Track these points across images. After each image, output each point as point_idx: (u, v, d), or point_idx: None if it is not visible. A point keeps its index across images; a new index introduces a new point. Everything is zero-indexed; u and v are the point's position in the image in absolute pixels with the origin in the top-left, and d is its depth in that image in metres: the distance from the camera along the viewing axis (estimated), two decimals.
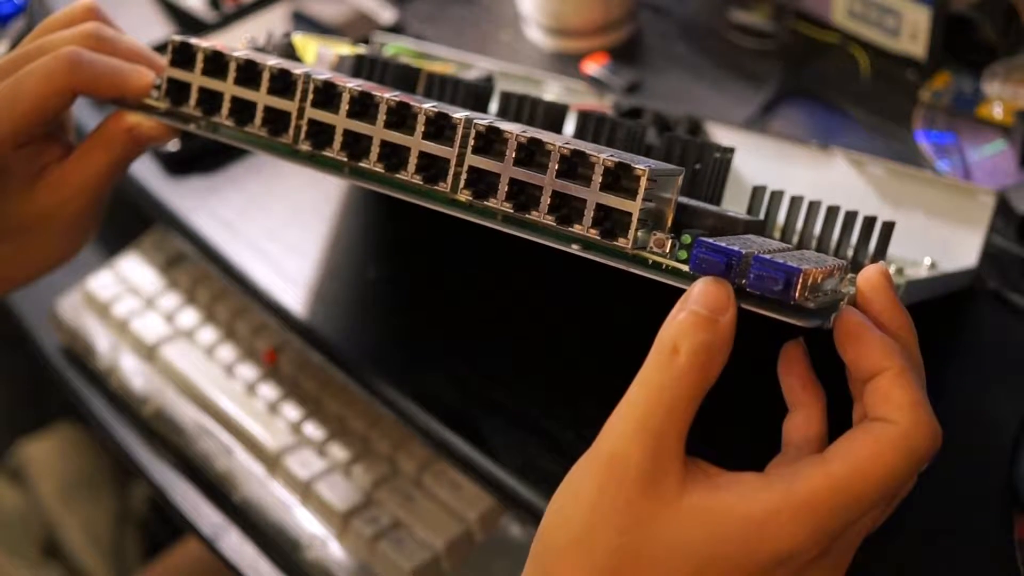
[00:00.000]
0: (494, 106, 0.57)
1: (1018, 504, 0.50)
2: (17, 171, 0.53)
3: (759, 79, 0.77)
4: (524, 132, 0.42)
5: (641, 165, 0.40)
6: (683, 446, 0.38)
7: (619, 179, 0.41)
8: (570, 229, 0.42)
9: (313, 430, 0.66)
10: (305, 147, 0.47)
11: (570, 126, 0.55)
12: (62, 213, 0.53)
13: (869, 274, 0.40)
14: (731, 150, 0.49)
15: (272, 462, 0.65)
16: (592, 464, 0.38)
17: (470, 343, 0.62)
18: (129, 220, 0.79)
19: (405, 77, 0.57)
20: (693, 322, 0.38)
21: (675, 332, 0.38)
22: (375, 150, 0.45)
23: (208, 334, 0.72)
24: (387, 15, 0.81)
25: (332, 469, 0.63)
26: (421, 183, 0.44)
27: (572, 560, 0.38)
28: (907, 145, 0.70)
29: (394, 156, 0.45)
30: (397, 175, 0.45)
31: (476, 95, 0.56)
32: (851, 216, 0.47)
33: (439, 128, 0.44)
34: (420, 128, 0.44)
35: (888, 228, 0.47)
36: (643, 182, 0.40)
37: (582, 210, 0.41)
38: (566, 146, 0.41)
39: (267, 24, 0.82)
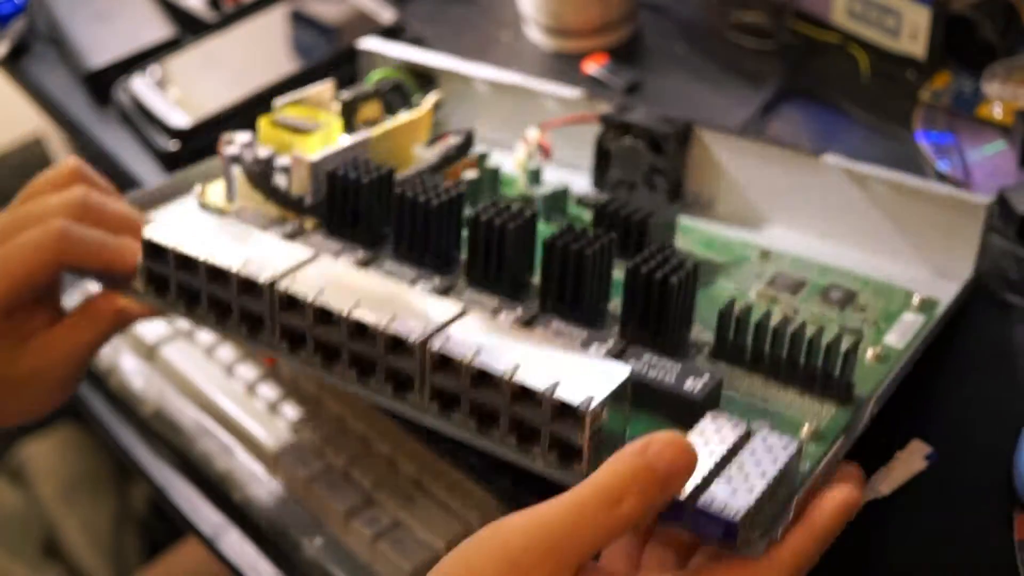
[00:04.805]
0: (470, 208, 0.56)
1: (1018, 504, 0.50)
2: (4, 335, 0.54)
3: (759, 79, 0.77)
4: (474, 360, 0.43)
5: (582, 405, 0.40)
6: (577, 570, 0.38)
7: (570, 409, 0.41)
8: (532, 450, 0.43)
9: (313, 430, 0.66)
10: (283, 347, 0.48)
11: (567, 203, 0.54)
12: (46, 376, 0.55)
13: (829, 503, 0.42)
14: (696, 265, 0.48)
15: (272, 462, 0.65)
16: (496, 552, 0.38)
17: None
18: None
19: (379, 190, 0.55)
20: (648, 481, 0.38)
21: (626, 484, 0.38)
22: (345, 358, 0.47)
23: (208, 334, 0.72)
24: (387, 15, 0.81)
25: (332, 469, 0.63)
26: (391, 395, 0.46)
27: None
28: (907, 145, 0.70)
29: (365, 363, 0.46)
30: (369, 385, 0.46)
31: (449, 212, 0.54)
32: (818, 334, 0.47)
33: (399, 343, 0.45)
34: (381, 347, 0.45)
35: (853, 349, 0.47)
36: (587, 421, 0.41)
37: (539, 432, 0.42)
38: (515, 381, 0.42)
39: (267, 24, 0.82)
